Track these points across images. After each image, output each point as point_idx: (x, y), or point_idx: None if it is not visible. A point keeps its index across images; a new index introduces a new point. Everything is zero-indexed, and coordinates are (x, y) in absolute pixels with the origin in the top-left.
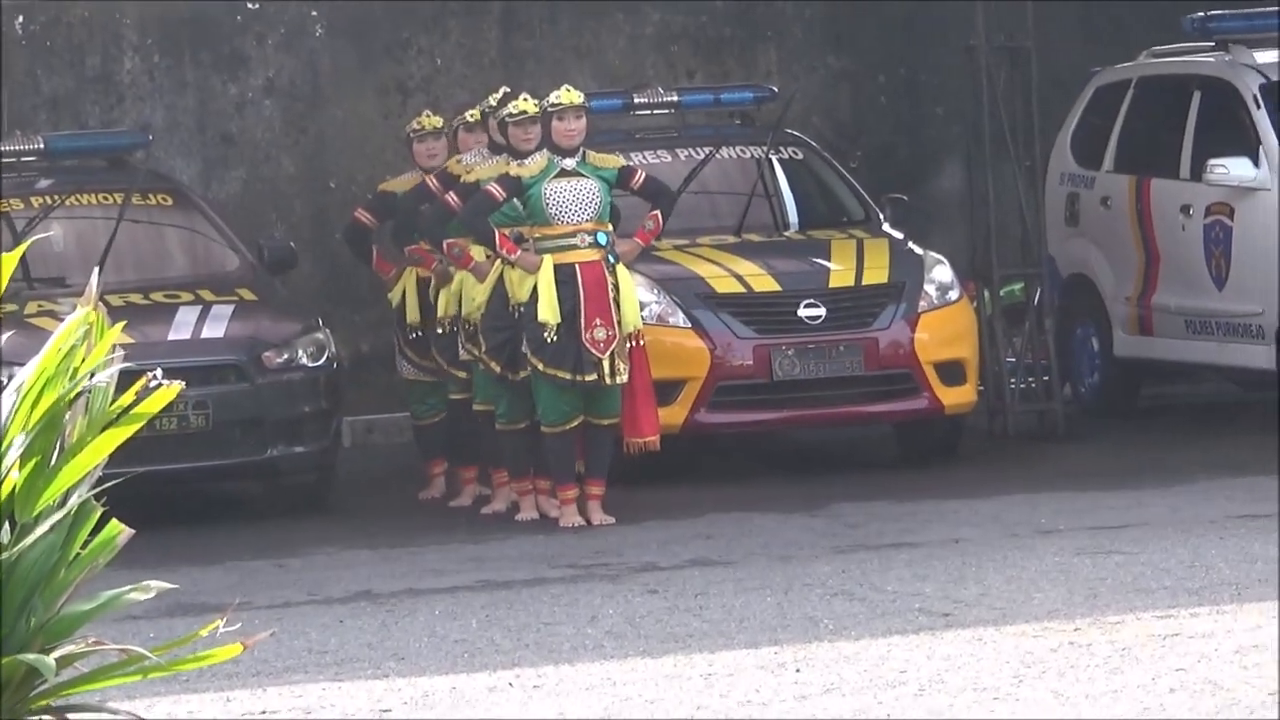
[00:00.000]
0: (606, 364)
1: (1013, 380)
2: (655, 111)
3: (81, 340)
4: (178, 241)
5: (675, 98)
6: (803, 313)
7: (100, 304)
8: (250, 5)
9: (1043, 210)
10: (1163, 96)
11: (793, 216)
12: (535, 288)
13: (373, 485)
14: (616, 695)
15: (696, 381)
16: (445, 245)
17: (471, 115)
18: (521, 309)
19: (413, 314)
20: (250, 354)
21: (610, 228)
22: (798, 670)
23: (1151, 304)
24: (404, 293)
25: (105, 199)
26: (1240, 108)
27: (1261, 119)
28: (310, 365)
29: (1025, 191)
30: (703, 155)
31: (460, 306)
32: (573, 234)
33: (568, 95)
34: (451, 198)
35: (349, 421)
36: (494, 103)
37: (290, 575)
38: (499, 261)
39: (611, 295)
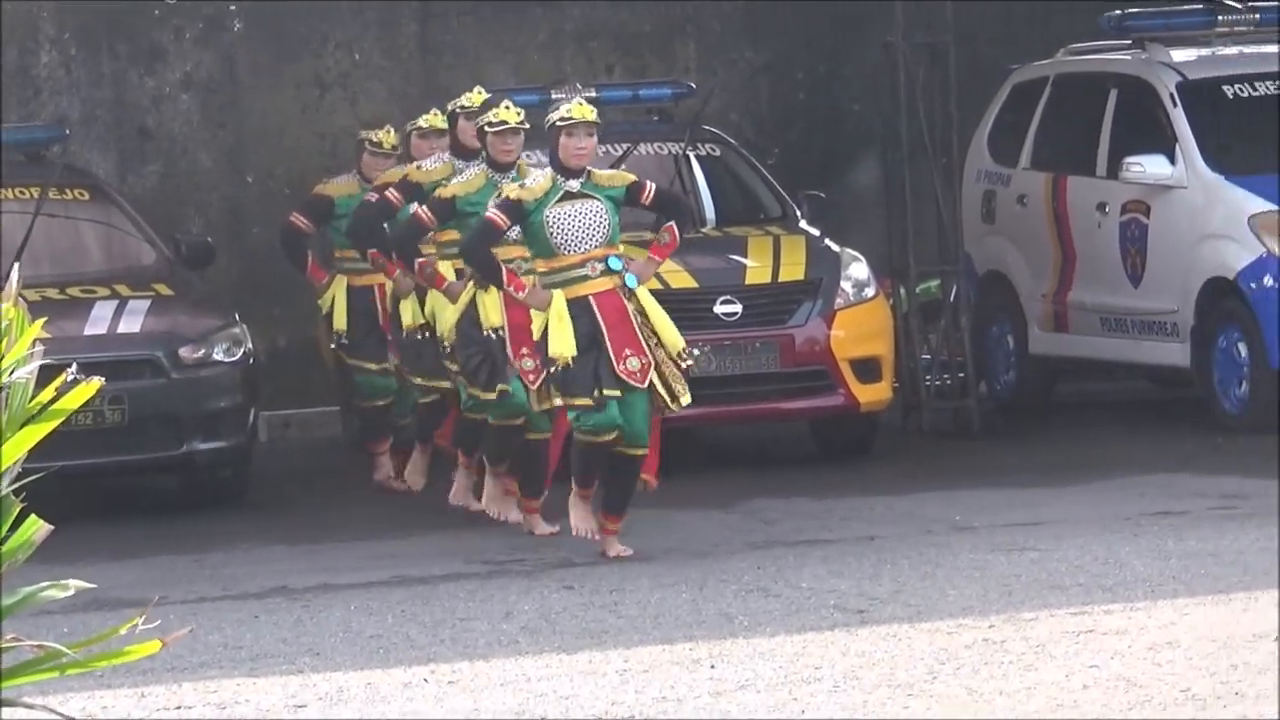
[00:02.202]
0: (663, 390)
1: (928, 377)
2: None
3: (1, 336)
4: (94, 236)
5: (593, 93)
6: (719, 310)
7: (20, 299)
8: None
9: (959, 207)
10: (1080, 94)
11: (710, 213)
12: (545, 326)
13: (289, 480)
14: (531, 691)
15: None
16: (417, 264)
17: (428, 121)
18: (494, 333)
19: (340, 321)
20: (167, 349)
21: (621, 249)
22: (713, 666)
23: (1067, 301)
24: (333, 300)
25: (22, 194)
26: (1157, 106)
27: (1178, 117)
28: (227, 360)
29: (942, 189)
30: (620, 151)
31: (427, 318)
32: (581, 264)
33: (579, 110)
34: (424, 212)
35: (265, 416)
36: (465, 103)
37: (206, 570)
38: (471, 282)
39: (638, 321)
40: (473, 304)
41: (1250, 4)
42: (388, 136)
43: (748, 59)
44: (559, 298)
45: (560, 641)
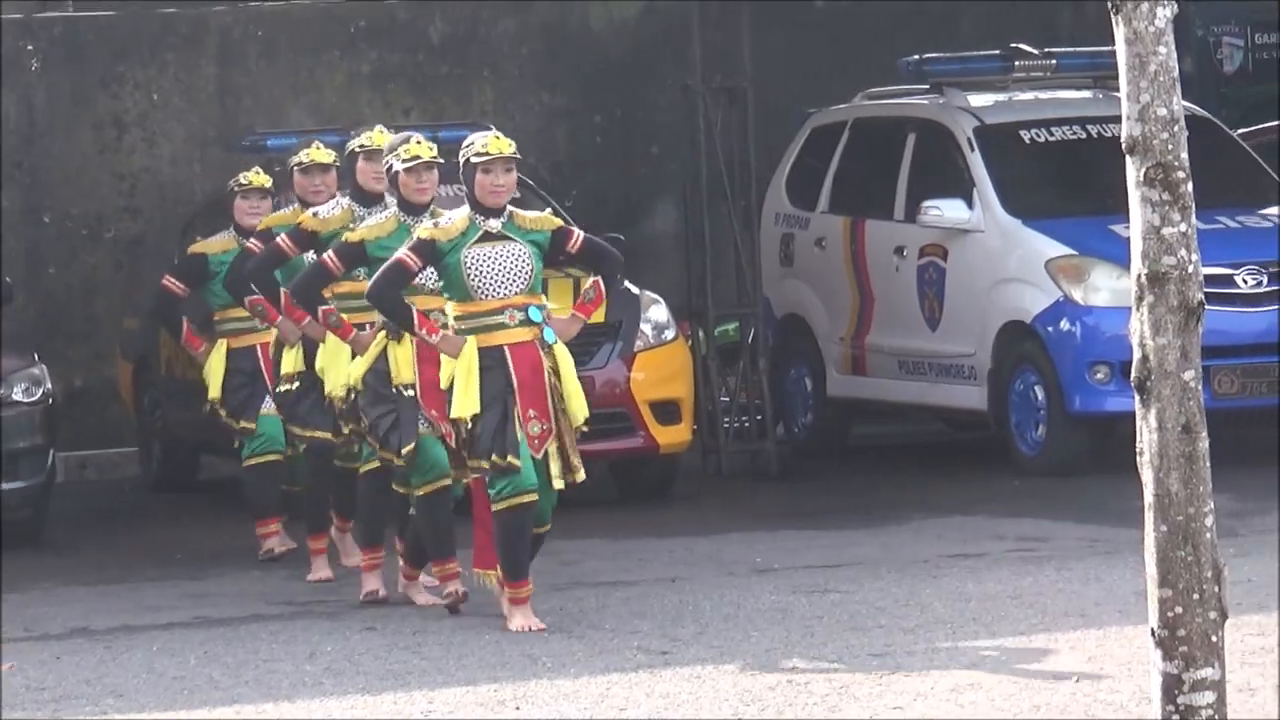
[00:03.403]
0: (555, 463)
1: (727, 420)
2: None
3: None
4: None
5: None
6: None
7: None
8: None
9: (758, 250)
10: (878, 138)
11: None
12: (453, 376)
13: (87, 521)
14: None
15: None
16: (322, 313)
17: (309, 156)
18: (404, 389)
19: (214, 389)
20: None
21: (544, 300)
22: (517, 708)
23: (865, 344)
24: (211, 370)
25: None
26: (954, 150)
27: (975, 161)
28: (26, 400)
29: (741, 231)
30: None
31: (311, 368)
32: (500, 310)
33: (497, 143)
34: (331, 258)
35: (63, 457)
36: (366, 142)
37: (7, 611)
38: (382, 333)
39: (549, 382)
40: (383, 357)
41: (1046, 50)
42: (257, 177)
43: (544, 102)
44: (471, 345)
45: (364, 683)
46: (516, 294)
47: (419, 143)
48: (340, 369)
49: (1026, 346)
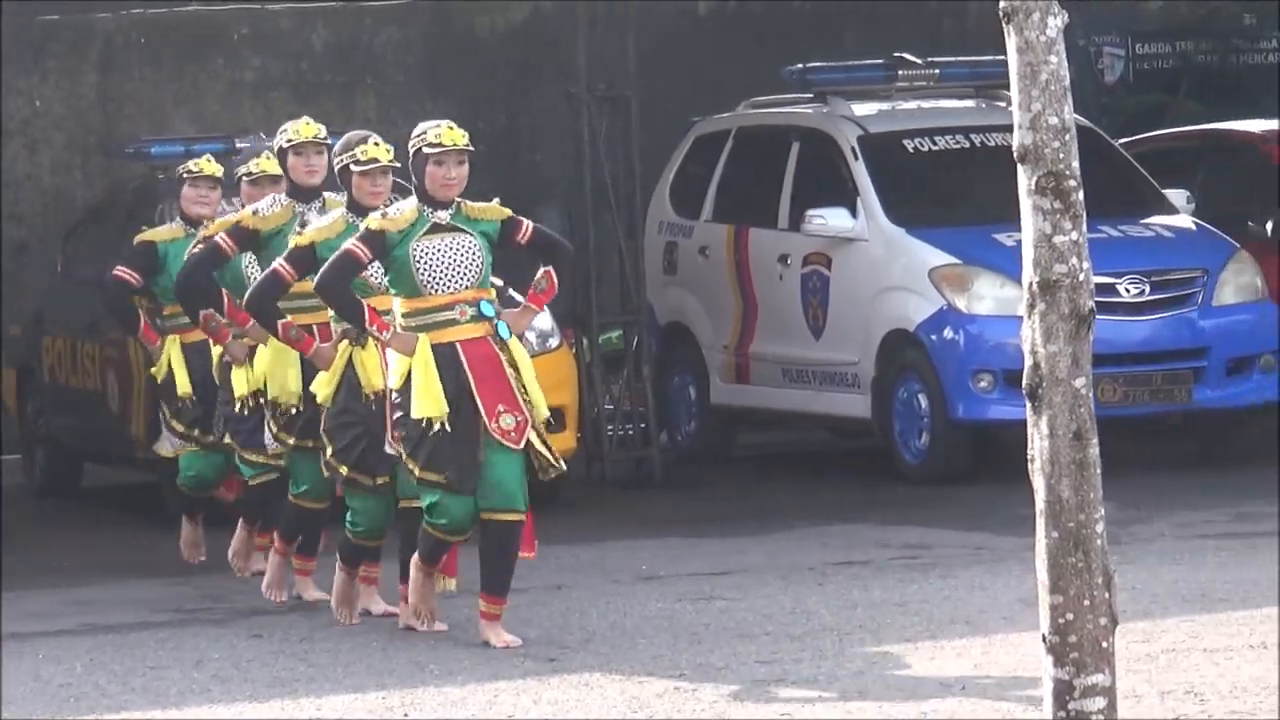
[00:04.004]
0: (543, 450)
1: (611, 427)
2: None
3: None
4: None
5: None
6: None
7: None
8: None
9: (642, 258)
10: (762, 147)
11: None
12: (408, 374)
13: None
14: None
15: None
16: (281, 327)
17: (257, 166)
18: (376, 399)
19: (184, 386)
20: None
21: (494, 294)
22: (405, 715)
23: (749, 352)
24: (169, 364)
25: None
26: (838, 159)
27: (859, 170)
28: None
29: (625, 240)
30: None
31: (267, 387)
32: (449, 305)
33: (450, 134)
34: (284, 266)
35: None
36: (295, 137)
37: None
38: (345, 342)
39: (511, 375)
40: (351, 368)
41: (929, 59)
42: (208, 164)
43: (428, 109)
44: (425, 344)
45: (252, 690)
46: (466, 288)
47: (377, 144)
48: (287, 377)
49: (910, 355)
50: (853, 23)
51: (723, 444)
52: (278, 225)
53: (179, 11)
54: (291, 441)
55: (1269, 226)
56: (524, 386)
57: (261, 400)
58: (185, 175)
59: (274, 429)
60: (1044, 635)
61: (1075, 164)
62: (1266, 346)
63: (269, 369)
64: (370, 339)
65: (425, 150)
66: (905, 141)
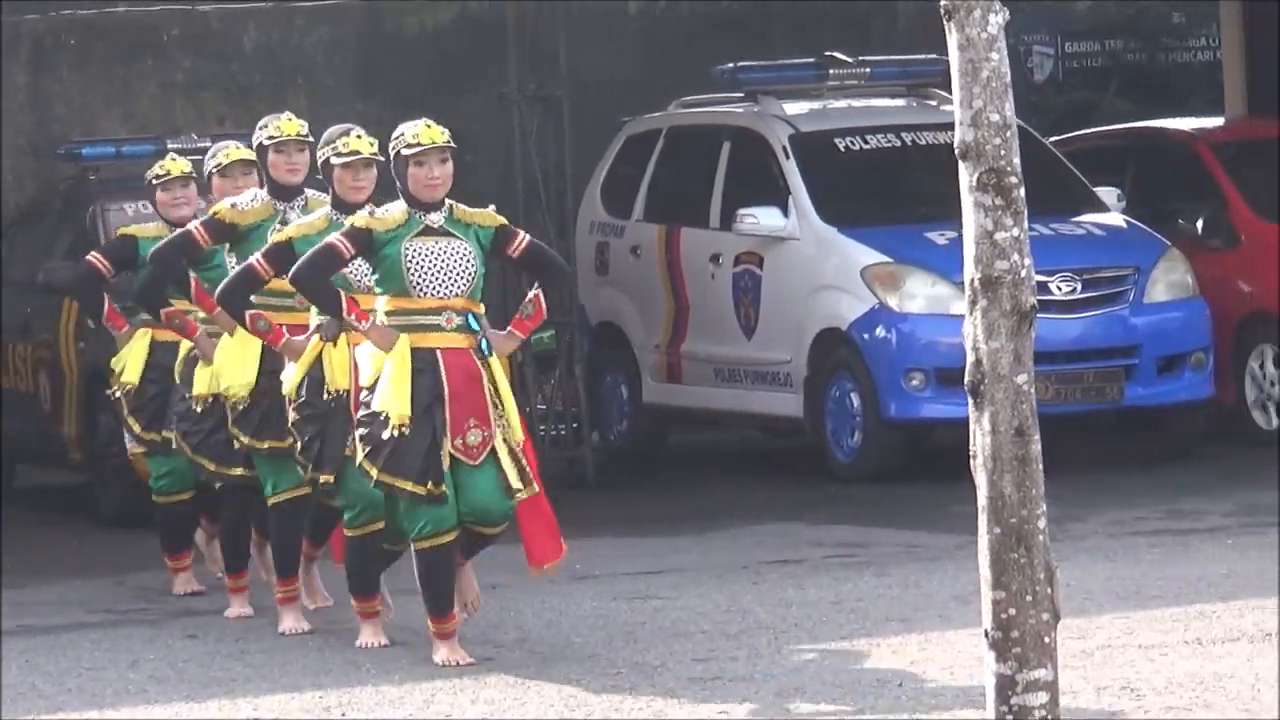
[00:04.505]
0: (512, 471)
1: (543, 427)
2: (190, 157)
3: None
4: None
5: (209, 143)
6: None
7: None
8: None
9: (574, 258)
10: (693, 146)
11: None
12: (379, 373)
13: None
14: None
15: None
16: (249, 317)
17: (227, 155)
18: (339, 396)
19: (131, 371)
20: None
21: (483, 309)
22: (343, 715)
23: (681, 352)
24: (130, 353)
25: None
26: (769, 158)
27: (790, 169)
28: None
29: (556, 239)
30: None
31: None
32: (437, 310)
33: (429, 133)
34: (260, 262)
35: None
36: (276, 134)
37: None
38: (317, 338)
39: (487, 391)
40: (319, 364)
41: (860, 58)
42: (174, 164)
43: (358, 110)
44: (404, 342)
45: (188, 690)
46: (457, 296)
47: (359, 137)
48: (243, 368)
49: (842, 353)
50: (782, 22)
51: (655, 444)
52: (256, 221)
53: (109, 13)
54: (246, 440)
55: (1199, 224)
56: (501, 405)
57: (220, 401)
58: (155, 181)
59: (233, 429)
60: (986, 630)
61: (1016, 161)
62: (1198, 344)
63: (225, 359)
64: (343, 338)
65: (404, 152)
66: (837, 140)
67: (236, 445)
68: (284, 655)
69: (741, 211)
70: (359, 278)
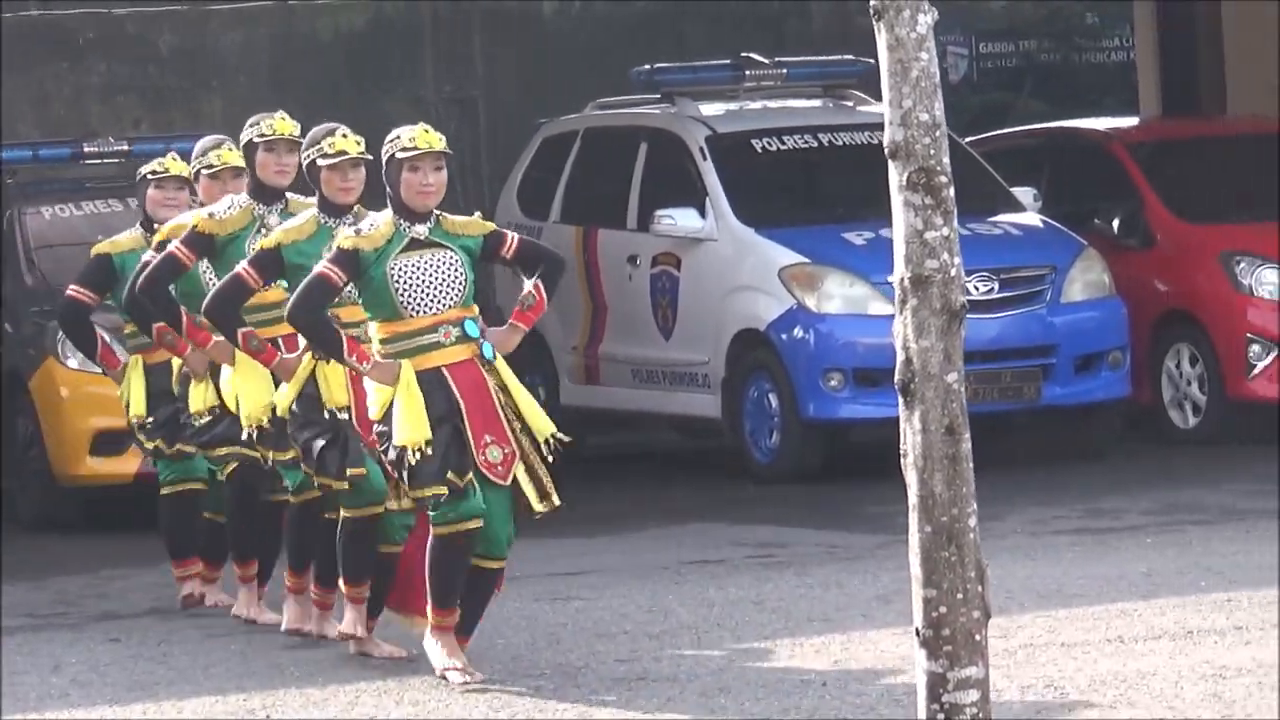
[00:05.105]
0: (529, 488)
1: None
2: (105, 160)
3: None
4: None
5: (126, 146)
6: None
7: None
8: None
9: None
10: (610, 148)
11: None
12: (389, 405)
13: None
14: None
15: None
16: (241, 336)
17: (220, 158)
18: (338, 413)
19: (137, 406)
20: None
21: (477, 312)
22: (267, 716)
23: (599, 353)
24: (129, 385)
25: None
26: (687, 159)
27: (707, 170)
28: None
29: None
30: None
31: (239, 405)
32: (433, 328)
33: (425, 137)
34: (248, 271)
35: None
36: (267, 131)
37: None
38: (309, 355)
39: (499, 401)
40: (312, 380)
41: (776, 59)
42: (174, 164)
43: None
44: (408, 370)
45: (112, 694)
46: (450, 308)
47: (345, 136)
48: (258, 390)
49: (760, 354)
50: (699, 24)
51: (573, 445)
52: (235, 230)
53: (23, 15)
54: (271, 456)
55: (1115, 224)
56: (516, 411)
57: (221, 409)
58: (150, 176)
59: (261, 449)
60: (917, 629)
61: (946, 160)
62: (1115, 343)
63: (239, 388)
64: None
65: (399, 155)
66: (753, 141)
67: (272, 461)
68: (207, 658)
69: (659, 213)
70: (346, 291)
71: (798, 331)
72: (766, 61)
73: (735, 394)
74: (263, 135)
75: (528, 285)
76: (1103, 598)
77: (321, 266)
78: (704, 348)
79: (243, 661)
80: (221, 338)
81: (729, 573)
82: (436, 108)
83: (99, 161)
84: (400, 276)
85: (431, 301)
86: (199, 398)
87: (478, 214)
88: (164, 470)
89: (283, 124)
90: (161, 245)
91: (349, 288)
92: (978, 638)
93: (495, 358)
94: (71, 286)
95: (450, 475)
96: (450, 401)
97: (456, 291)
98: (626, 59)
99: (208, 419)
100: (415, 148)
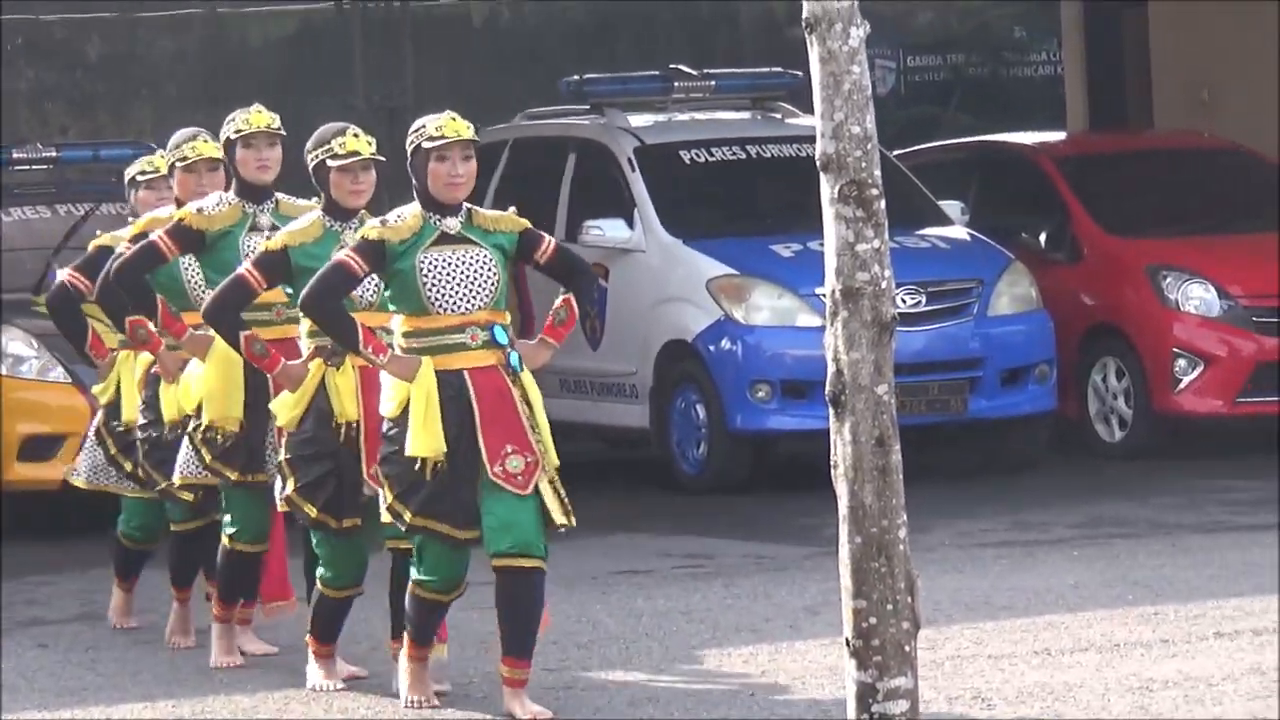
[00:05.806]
0: (553, 501)
1: None
2: (33, 167)
3: None
4: None
5: (54, 153)
6: None
7: None
8: None
9: None
10: (538, 158)
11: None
12: (406, 403)
13: None
14: None
15: (77, 437)
16: (243, 339)
17: (194, 149)
18: (348, 428)
19: (129, 412)
20: None
21: (508, 319)
22: None
23: None
24: (118, 384)
25: None
26: (615, 170)
27: (636, 181)
28: None
29: None
30: (83, 211)
31: (203, 409)
32: (460, 328)
33: (453, 125)
34: (252, 273)
35: None
36: (244, 127)
37: None
38: (318, 360)
39: (523, 413)
40: (323, 393)
41: (705, 71)
42: (163, 161)
43: (203, 121)
44: (428, 366)
45: (40, 700)
46: (480, 309)
47: (356, 136)
48: (229, 397)
49: (688, 365)
50: (628, 35)
51: None
52: (225, 226)
53: None
54: (234, 476)
55: (1042, 237)
56: (536, 426)
57: (195, 426)
58: (140, 178)
59: (208, 457)
60: (847, 639)
61: (878, 173)
62: (1041, 356)
63: (209, 388)
64: (348, 362)
65: (425, 145)
66: (682, 153)
67: (228, 477)
68: (136, 665)
69: (587, 223)
70: (361, 292)
71: (725, 343)
72: (695, 73)
73: (663, 405)
74: (239, 131)
75: (560, 299)
76: (1030, 610)
77: (343, 254)
78: (632, 358)
79: (171, 668)
80: (199, 330)
81: (657, 583)
82: (366, 116)
83: (27, 168)
84: (430, 270)
85: (460, 300)
86: (171, 404)
87: (512, 209)
88: (127, 516)
89: (259, 116)
90: (139, 238)
91: (369, 290)
92: (907, 648)
93: (522, 369)
94: (69, 271)
95: (456, 520)
96: (463, 415)
97: (487, 292)
98: (556, 69)
99: (180, 434)
100: (442, 136)
